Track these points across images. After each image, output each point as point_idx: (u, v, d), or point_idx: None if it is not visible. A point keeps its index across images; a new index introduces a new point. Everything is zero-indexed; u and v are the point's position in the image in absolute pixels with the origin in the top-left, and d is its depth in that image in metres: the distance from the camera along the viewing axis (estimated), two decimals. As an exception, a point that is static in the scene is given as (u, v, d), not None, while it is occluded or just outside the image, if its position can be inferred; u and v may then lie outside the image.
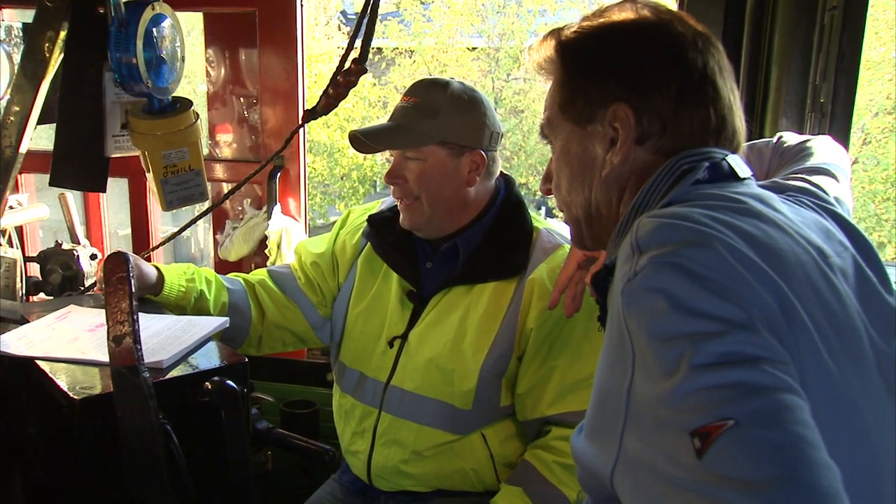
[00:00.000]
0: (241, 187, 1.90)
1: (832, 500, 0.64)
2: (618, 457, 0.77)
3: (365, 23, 1.48)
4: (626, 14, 0.98)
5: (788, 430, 0.67)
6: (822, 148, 1.30)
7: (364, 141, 1.68)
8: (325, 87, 1.58)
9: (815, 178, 1.12)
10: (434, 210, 1.70)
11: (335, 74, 1.55)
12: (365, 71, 1.55)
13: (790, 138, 1.39)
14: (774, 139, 1.41)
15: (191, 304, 1.75)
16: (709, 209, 0.83)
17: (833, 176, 1.17)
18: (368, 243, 1.83)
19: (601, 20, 1.00)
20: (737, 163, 0.95)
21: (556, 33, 1.02)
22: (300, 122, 1.69)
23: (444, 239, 1.76)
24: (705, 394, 0.69)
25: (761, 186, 1.00)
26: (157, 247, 2.20)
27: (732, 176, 0.94)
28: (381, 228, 1.81)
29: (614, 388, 0.78)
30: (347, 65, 1.53)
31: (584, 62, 0.99)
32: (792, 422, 0.68)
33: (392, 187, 1.73)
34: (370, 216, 1.84)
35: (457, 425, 1.69)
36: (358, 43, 1.60)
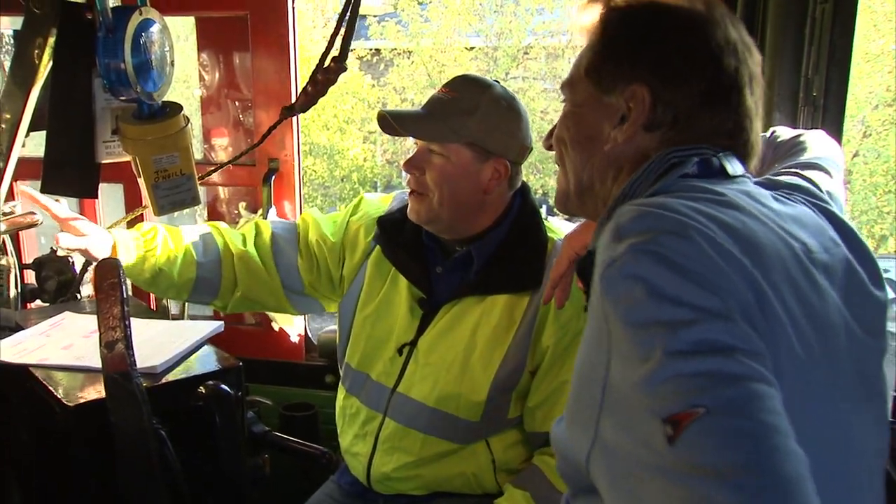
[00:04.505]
0: (213, 173, 1.91)
1: (796, 486, 0.66)
2: (594, 442, 0.78)
3: (345, 22, 1.47)
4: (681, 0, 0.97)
5: (757, 418, 0.68)
6: (816, 142, 1.31)
7: (391, 122, 1.65)
8: (304, 85, 1.58)
9: (808, 173, 1.12)
10: (443, 209, 1.66)
11: (315, 72, 1.55)
12: (345, 69, 1.54)
13: (784, 132, 1.40)
14: (768, 133, 1.41)
15: (145, 279, 1.75)
16: (691, 200, 0.83)
17: (826, 171, 1.17)
18: (378, 245, 1.79)
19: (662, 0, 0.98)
20: (730, 161, 0.95)
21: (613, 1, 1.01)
22: (278, 119, 1.68)
23: (455, 242, 1.73)
24: (679, 381, 0.70)
25: (755, 183, 1.00)
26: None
27: (722, 173, 0.94)
28: (391, 230, 1.77)
29: (592, 374, 0.79)
30: (328, 63, 1.52)
31: (623, 35, 0.98)
32: (761, 410, 0.69)
33: (408, 176, 1.70)
34: (380, 218, 1.80)
35: (463, 435, 1.67)
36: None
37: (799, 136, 1.34)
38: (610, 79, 0.98)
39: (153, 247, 1.74)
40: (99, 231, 1.70)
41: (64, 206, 1.69)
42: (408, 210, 1.72)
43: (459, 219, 1.70)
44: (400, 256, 1.75)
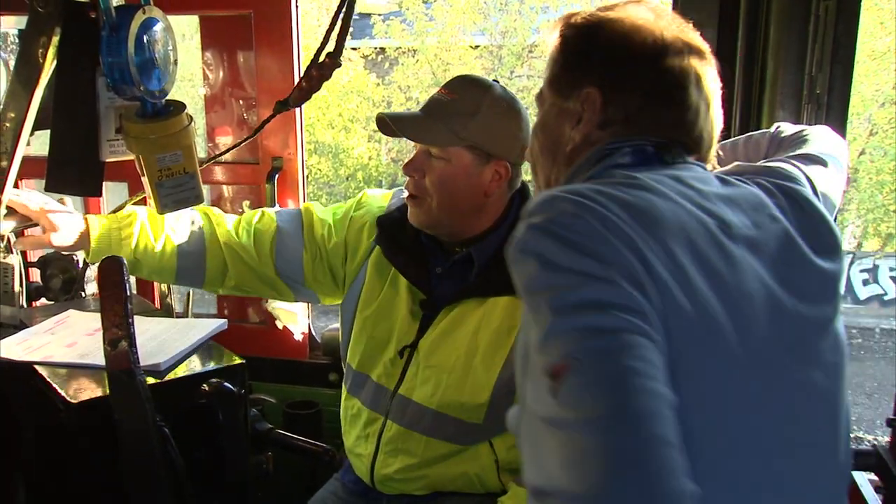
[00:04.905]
0: (209, 163, 1.92)
1: (652, 420, 0.73)
2: (521, 411, 0.85)
3: (341, 17, 1.47)
4: (629, 12, 1.07)
5: (621, 363, 0.76)
6: (819, 136, 1.33)
7: (390, 125, 1.65)
8: (299, 80, 1.58)
9: (797, 161, 1.19)
10: (443, 213, 1.66)
11: (309, 67, 1.55)
12: (339, 65, 1.55)
13: (788, 128, 1.41)
14: (773, 129, 1.43)
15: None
16: (603, 185, 0.92)
17: (823, 163, 1.21)
18: (378, 246, 1.78)
19: (606, 13, 1.08)
20: (669, 150, 1.03)
21: (566, 17, 1.13)
22: (272, 113, 1.68)
23: (455, 244, 1.72)
24: (560, 336, 0.79)
25: (724, 172, 1.09)
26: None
27: (659, 161, 1.02)
28: (390, 230, 1.76)
29: (521, 349, 0.88)
30: (322, 58, 1.53)
31: (577, 46, 1.09)
32: (627, 357, 0.77)
33: (407, 178, 1.70)
34: (379, 218, 1.79)
35: (466, 437, 1.66)
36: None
37: (802, 130, 1.37)
38: (567, 86, 1.08)
39: (127, 235, 1.73)
40: (70, 222, 1.69)
41: (37, 196, 1.69)
42: (408, 214, 1.72)
43: (459, 221, 1.69)
44: (400, 257, 1.74)
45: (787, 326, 0.93)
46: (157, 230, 1.77)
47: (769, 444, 0.89)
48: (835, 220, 1.26)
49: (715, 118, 1.08)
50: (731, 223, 0.94)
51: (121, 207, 1.80)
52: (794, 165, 1.16)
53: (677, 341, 0.82)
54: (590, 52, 1.07)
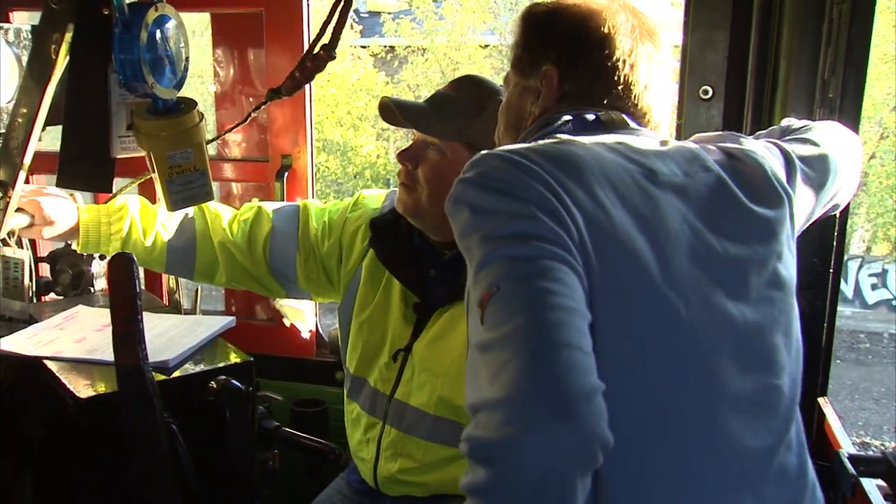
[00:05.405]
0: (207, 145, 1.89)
1: (560, 328, 0.82)
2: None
3: (338, 10, 1.48)
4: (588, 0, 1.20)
5: (535, 285, 0.85)
6: (824, 128, 1.39)
7: (393, 111, 1.64)
8: (292, 70, 1.60)
9: (778, 139, 1.29)
10: (431, 206, 1.64)
11: (304, 58, 1.56)
12: (333, 57, 1.57)
13: (796, 122, 1.46)
14: (783, 123, 1.47)
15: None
16: (533, 142, 1.03)
17: (813, 143, 1.30)
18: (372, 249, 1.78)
19: (567, 1, 1.21)
20: (611, 119, 1.13)
21: (530, 6, 1.24)
22: (264, 100, 1.70)
23: (444, 245, 1.71)
24: (487, 268, 0.89)
25: (694, 141, 1.19)
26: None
27: (601, 127, 1.12)
28: (383, 232, 1.75)
29: (467, 298, 0.95)
30: (317, 50, 1.54)
31: (536, 29, 1.21)
32: (541, 279, 0.86)
33: (400, 167, 1.69)
34: (372, 220, 1.78)
35: None
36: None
37: (808, 124, 1.42)
38: (528, 66, 1.20)
39: (117, 230, 1.76)
40: (62, 214, 1.73)
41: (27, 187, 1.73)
42: (395, 200, 1.71)
43: (446, 218, 1.69)
44: (393, 260, 1.73)
45: (714, 262, 1.01)
46: (148, 225, 1.79)
47: (682, 361, 0.96)
48: (844, 208, 1.44)
49: (662, 92, 1.21)
50: (657, 171, 1.04)
51: (126, 188, 1.84)
52: (770, 142, 1.25)
53: (599, 266, 0.91)
54: (548, 35, 1.19)
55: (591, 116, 1.14)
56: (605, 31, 1.16)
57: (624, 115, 1.15)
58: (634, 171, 1.02)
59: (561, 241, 0.90)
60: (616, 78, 1.16)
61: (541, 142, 1.05)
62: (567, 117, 1.13)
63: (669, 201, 1.01)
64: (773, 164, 1.16)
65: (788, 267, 1.09)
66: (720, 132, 1.29)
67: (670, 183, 1.04)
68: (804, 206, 1.23)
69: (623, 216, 0.96)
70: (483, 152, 1.00)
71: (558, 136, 1.08)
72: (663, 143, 1.13)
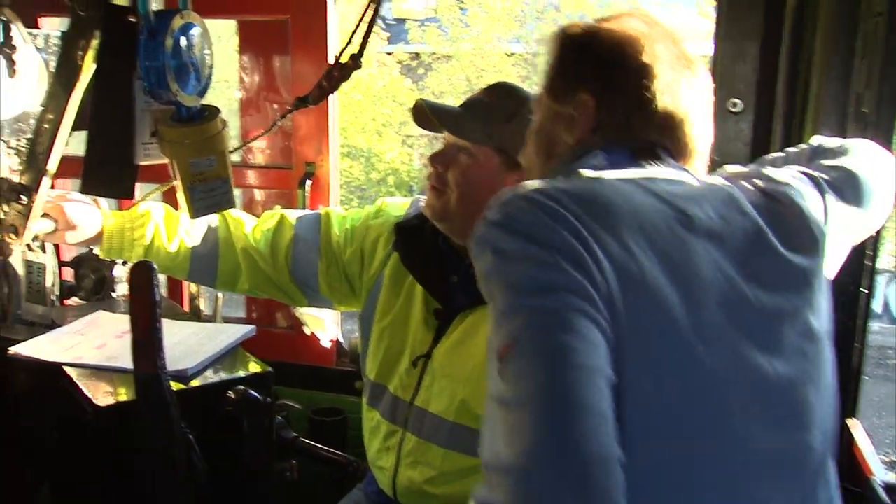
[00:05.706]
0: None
1: (579, 390, 0.79)
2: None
3: (365, 19, 1.49)
4: (625, 24, 1.14)
5: (556, 340, 0.82)
6: (859, 150, 1.32)
7: (427, 113, 1.64)
8: (319, 80, 1.61)
9: (812, 169, 1.21)
10: (460, 208, 1.63)
11: (332, 68, 1.58)
12: (359, 67, 1.58)
13: (827, 142, 1.38)
14: (814, 142, 1.40)
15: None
16: (561, 182, 1.00)
17: (847, 171, 1.23)
18: (395, 253, 1.77)
19: (603, 24, 1.16)
20: (646, 152, 1.08)
21: (565, 28, 1.20)
22: (290, 108, 1.72)
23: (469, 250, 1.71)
24: (508, 318, 0.86)
25: (726, 177, 1.14)
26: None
27: (633, 162, 1.07)
28: (408, 235, 1.75)
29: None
30: (345, 60, 1.55)
31: (573, 54, 1.16)
32: (562, 334, 0.82)
33: (431, 169, 1.68)
34: (398, 224, 1.77)
35: None
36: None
37: (842, 144, 1.35)
38: (562, 91, 1.15)
39: (140, 236, 1.76)
40: (86, 220, 1.73)
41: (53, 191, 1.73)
42: (423, 204, 1.70)
43: (472, 221, 1.67)
44: (417, 263, 1.72)
45: (745, 312, 0.97)
46: (172, 232, 1.79)
47: (704, 416, 0.92)
48: (875, 231, 1.35)
49: (701, 125, 1.15)
50: (693, 216, 0.99)
51: (151, 194, 1.85)
52: (803, 172, 1.18)
53: (626, 316, 0.87)
54: (584, 60, 1.14)
55: (624, 151, 1.09)
56: (644, 60, 1.10)
57: (660, 151, 1.10)
58: (669, 214, 0.98)
59: (585, 293, 0.86)
60: (653, 109, 1.10)
61: (571, 179, 1.02)
62: (601, 153, 1.08)
63: (703, 247, 0.98)
64: (809, 202, 1.12)
65: (821, 317, 1.05)
66: (749, 168, 1.24)
67: (705, 228, 1.00)
68: (838, 241, 1.18)
69: (653, 263, 0.92)
70: (509, 192, 0.97)
71: (590, 172, 1.04)
72: (699, 180, 1.09)
